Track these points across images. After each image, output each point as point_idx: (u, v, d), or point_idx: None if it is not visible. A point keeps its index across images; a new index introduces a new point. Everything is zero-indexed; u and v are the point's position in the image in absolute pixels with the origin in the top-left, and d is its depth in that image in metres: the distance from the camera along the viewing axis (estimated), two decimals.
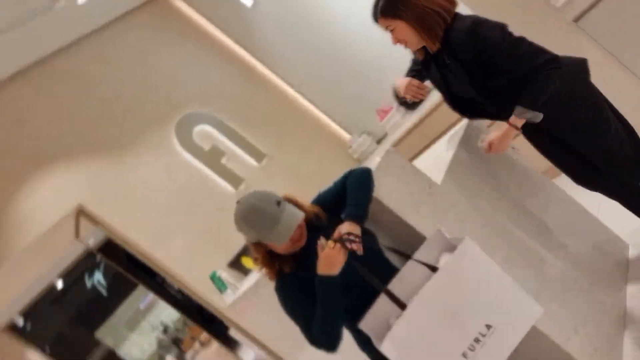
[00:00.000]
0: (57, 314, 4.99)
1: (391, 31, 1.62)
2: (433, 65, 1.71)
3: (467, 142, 1.95)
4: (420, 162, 2.39)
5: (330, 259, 1.32)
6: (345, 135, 4.41)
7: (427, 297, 1.25)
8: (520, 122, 1.57)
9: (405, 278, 1.35)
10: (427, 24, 1.55)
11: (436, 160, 2.09)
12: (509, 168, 2.07)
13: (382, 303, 1.33)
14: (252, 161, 3.84)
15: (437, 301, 1.26)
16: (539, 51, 1.57)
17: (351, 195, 1.46)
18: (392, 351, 1.23)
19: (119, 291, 5.52)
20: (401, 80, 1.81)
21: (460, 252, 1.29)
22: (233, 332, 3.47)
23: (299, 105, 4.35)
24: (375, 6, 1.62)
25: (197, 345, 6.13)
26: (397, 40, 1.64)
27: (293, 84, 4.31)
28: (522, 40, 1.58)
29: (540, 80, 1.52)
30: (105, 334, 5.61)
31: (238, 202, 1.38)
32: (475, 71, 1.59)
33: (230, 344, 4.04)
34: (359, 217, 1.41)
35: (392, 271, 1.39)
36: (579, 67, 1.67)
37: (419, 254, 1.38)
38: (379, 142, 4.30)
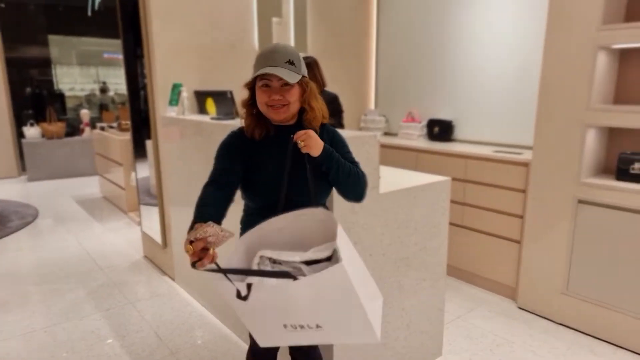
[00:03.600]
0: None
1: None
2: None
3: None
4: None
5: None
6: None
7: (279, 290, 1.15)
8: None
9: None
10: None
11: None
12: None
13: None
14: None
15: (287, 297, 1.16)
16: None
17: (348, 166, 1.43)
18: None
19: None
20: None
21: (330, 273, 1.12)
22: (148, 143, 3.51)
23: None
24: None
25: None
26: None
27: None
28: None
29: None
30: None
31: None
32: None
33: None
34: (328, 155, 1.39)
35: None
36: None
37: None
38: (384, 134, 4.34)
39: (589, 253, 2.59)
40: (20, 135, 7.25)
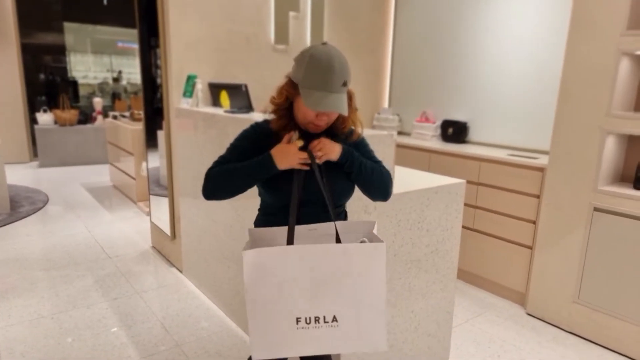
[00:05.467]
0: None
1: None
2: None
3: None
4: None
5: (287, 155, 1.30)
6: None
7: (314, 253, 1.21)
8: None
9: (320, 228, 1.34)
10: None
11: None
12: None
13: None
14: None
15: (319, 263, 1.22)
16: None
17: (370, 164, 1.41)
18: (250, 262, 1.20)
19: None
20: None
21: (370, 247, 1.24)
22: (159, 134, 3.51)
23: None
24: None
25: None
26: None
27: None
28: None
29: None
30: None
31: (324, 43, 1.31)
32: None
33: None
34: (348, 157, 1.36)
35: (324, 214, 1.37)
36: None
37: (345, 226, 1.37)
38: (397, 133, 4.31)
39: (602, 262, 2.54)
40: (33, 121, 7.31)
